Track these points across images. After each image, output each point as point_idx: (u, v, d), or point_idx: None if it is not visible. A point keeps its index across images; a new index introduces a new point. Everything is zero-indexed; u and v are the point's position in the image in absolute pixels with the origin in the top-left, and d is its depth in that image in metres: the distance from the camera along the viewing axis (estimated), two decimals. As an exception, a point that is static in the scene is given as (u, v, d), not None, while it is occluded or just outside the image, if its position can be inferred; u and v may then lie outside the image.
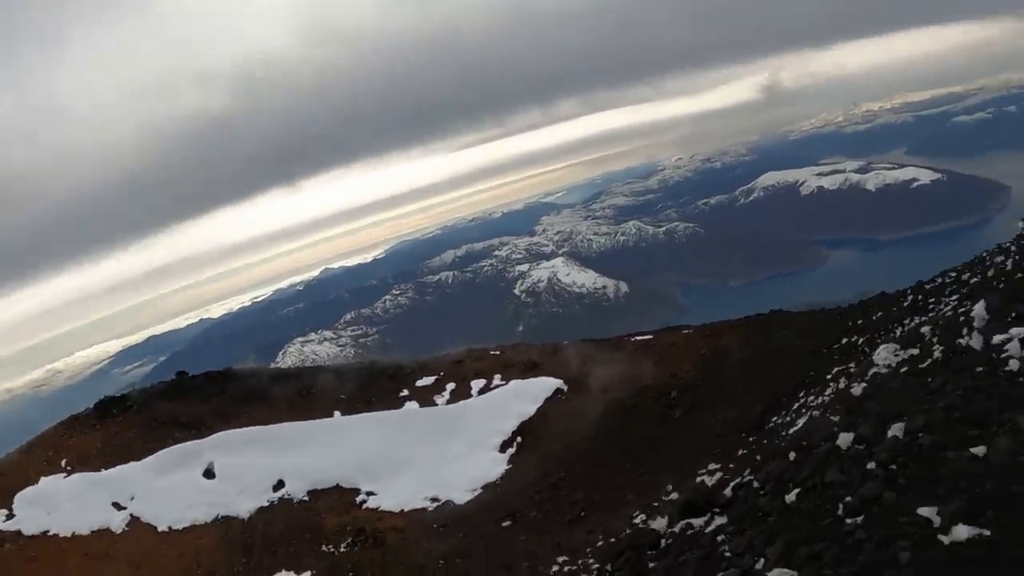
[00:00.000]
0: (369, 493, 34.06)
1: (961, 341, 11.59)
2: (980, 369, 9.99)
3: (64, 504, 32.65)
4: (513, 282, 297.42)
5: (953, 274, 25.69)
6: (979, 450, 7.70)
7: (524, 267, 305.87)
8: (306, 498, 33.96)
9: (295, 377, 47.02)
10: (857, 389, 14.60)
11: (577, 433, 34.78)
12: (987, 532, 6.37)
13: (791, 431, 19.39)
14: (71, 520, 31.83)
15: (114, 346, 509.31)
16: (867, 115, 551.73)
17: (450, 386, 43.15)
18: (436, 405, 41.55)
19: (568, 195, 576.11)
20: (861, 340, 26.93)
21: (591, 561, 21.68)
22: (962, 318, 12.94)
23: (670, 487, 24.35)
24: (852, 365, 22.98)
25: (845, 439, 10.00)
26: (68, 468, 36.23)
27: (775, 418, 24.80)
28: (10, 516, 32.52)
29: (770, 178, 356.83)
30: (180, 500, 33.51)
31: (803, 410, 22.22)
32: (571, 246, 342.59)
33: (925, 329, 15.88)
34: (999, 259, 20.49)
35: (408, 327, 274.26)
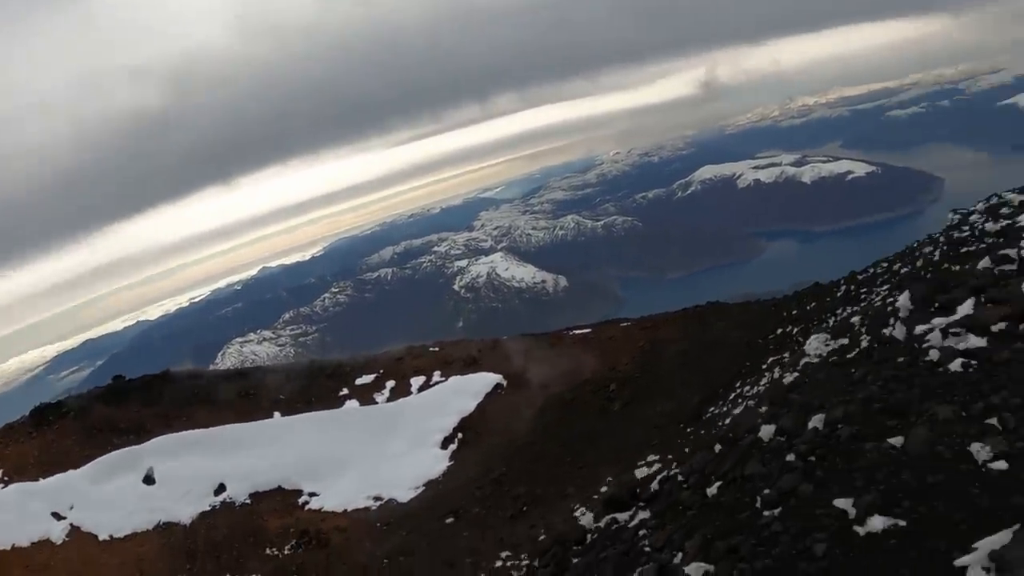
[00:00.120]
0: (311, 494, 33.80)
1: (886, 331, 11.77)
2: (902, 359, 10.11)
3: (1, 516, 32.00)
4: (452, 278, 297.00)
5: (885, 264, 26.15)
6: (897, 441, 7.84)
7: (463, 263, 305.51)
8: (248, 501, 33.60)
9: (234, 378, 46.49)
10: (789, 379, 14.81)
11: (517, 428, 34.83)
12: (902, 523, 6.50)
13: (727, 422, 19.60)
14: (9, 532, 31.03)
15: (49, 351, 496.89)
16: (803, 109, 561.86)
17: (390, 384, 43.03)
18: (376, 403, 41.36)
19: (506, 190, 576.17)
20: (795, 330, 27.26)
21: (530, 557, 21.82)
22: (889, 308, 13.09)
23: (610, 480, 24.61)
24: (786, 355, 23.26)
25: (767, 431, 10.07)
26: (4, 479, 35.34)
27: (712, 409, 25.06)
28: (-54, 531, 31.78)
29: (707, 171, 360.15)
30: (121, 508, 32.88)
31: (739, 400, 22.48)
32: (510, 241, 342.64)
33: (855, 319, 16.17)
34: (928, 249, 20.90)
35: (348, 325, 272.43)
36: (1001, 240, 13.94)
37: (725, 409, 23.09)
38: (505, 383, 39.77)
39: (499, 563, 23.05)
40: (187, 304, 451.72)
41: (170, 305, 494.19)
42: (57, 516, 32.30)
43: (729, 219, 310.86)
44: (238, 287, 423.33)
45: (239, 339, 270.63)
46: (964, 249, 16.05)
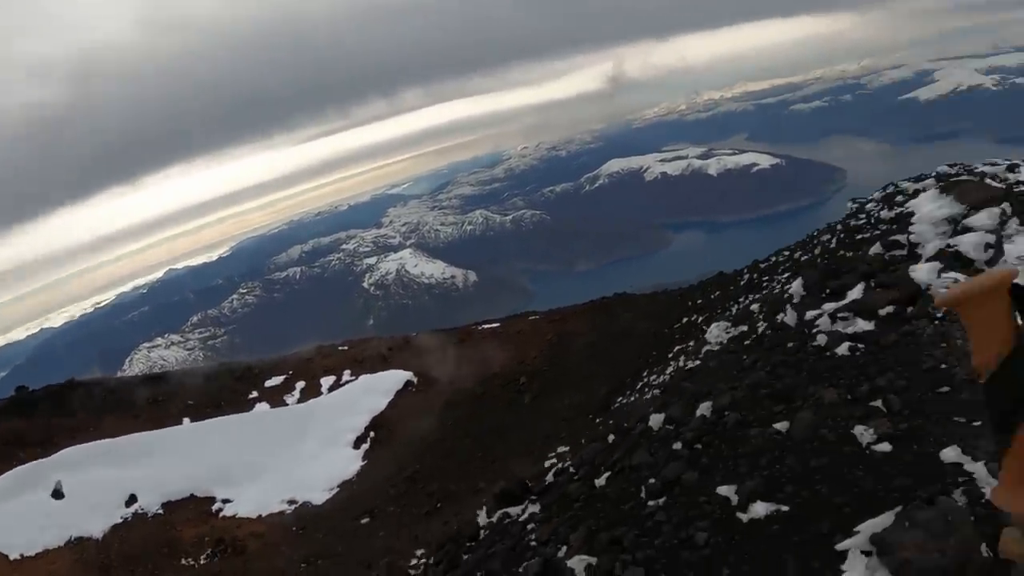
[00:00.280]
0: (225, 501, 33.20)
1: (779, 318, 11.99)
2: (791, 345, 10.28)
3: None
4: (361, 275, 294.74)
5: (786, 253, 26.65)
6: (783, 425, 7.92)
7: (372, 260, 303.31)
8: (161, 511, 32.85)
9: (142, 385, 45.33)
10: (691, 366, 14.99)
11: (429, 424, 34.74)
12: (785, 508, 6.57)
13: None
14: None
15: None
16: (709, 103, 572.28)
17: (300, 385, 42.55)
18: (287, 405, 40.94)
19: (414, 186, 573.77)
20: (700, 319, 27.57)
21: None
22: (785, 295, 13.36)
23: (552, 463, 24.72)
24: (691, 344, 23.55)
25: (656, 420, 10.12)
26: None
27: (620, 399, 25.20)
28: None
29: (615, 165, 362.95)
30: (30, 524, 31.83)
31: (646, 390, 22.58)
32: (419, 237, 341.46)
33: (754, 307, 16.42)
34: (826, 237, 21.32)
35: (257, 326, 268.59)
36: (894, 227, 14.23)
37: (633, 399, 23.21)
38: (416, 380, 39.60)
39: (414, 561, 22.96)
40: (92, 309, 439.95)
41: (74, 311, 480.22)
42: (-35, 537, 31.35)
43: (637, 212, 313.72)
44: (144, 290, 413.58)
45: (147, 344, 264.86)
46: (859, 236, 16.31)
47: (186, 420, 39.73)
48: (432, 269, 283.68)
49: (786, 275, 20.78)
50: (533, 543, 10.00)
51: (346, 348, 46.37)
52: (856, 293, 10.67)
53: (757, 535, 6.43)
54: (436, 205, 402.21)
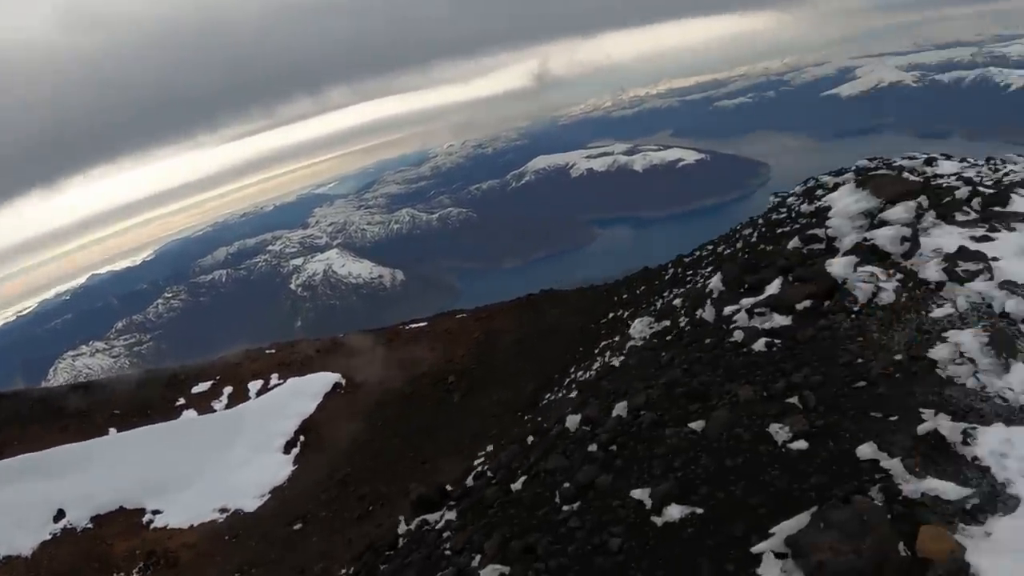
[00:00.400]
0: (155, 512, 32.56)
1: (698, 313, 11.98)
2: (709, 341, 10.24)
3: None
4: (288, 277, 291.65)
5: (710, 247, 26.84)
6: (698, 425, 7.86)
7: (299, 261, 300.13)
8: (90, 525, 32.12)
9: (67, 395, 44.49)
10: (616, 361, 14.95)
11: (359, 426, 34.48)
12: (699, 510, 6.50)
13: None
14: None
15: None
16: (634, 100, 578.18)
17: (228, 390, 41.88)
18: (215, 411, 40.35)
19: (340, 185, 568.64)
20: (626, 314, 27.67)
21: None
22: (707, 289, 13.38)
23: (474, 465, 24.61)
24: (617, 339, 23.60)
25: (573, 421, 10.04)
26: None
27: (548, 396, 25.22)
28: None
29: (541, 162, 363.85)
30: (-43, 544, 31.29)
31: (572, 386, 22.64)
32: (345, 237, 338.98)
33: (677, 302, 16.49)
34: (748, 231, 21.49)
35: (183, 331, 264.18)
36: (813, 221, 14.33)
37: (560, 395, 23.24)
38: (344, 382, 39.26)
39: (344, 570, 22.81)
40: (14, 318, 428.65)
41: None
42: None
43: (563, 208, 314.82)
44: (67, 297, 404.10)
45: (71, 352, 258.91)
46: (780, 230, 16.42)
47: (113, 430, 38.90)
48: (359, 269, 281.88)
49: (709, 269, 20.89)
50: (448, 552, 9.83)
51: (273, 351, 45.83)
52: (774, 288, 10.69)
53: (671, 539, 6.35)
54: (362, 204, 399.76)
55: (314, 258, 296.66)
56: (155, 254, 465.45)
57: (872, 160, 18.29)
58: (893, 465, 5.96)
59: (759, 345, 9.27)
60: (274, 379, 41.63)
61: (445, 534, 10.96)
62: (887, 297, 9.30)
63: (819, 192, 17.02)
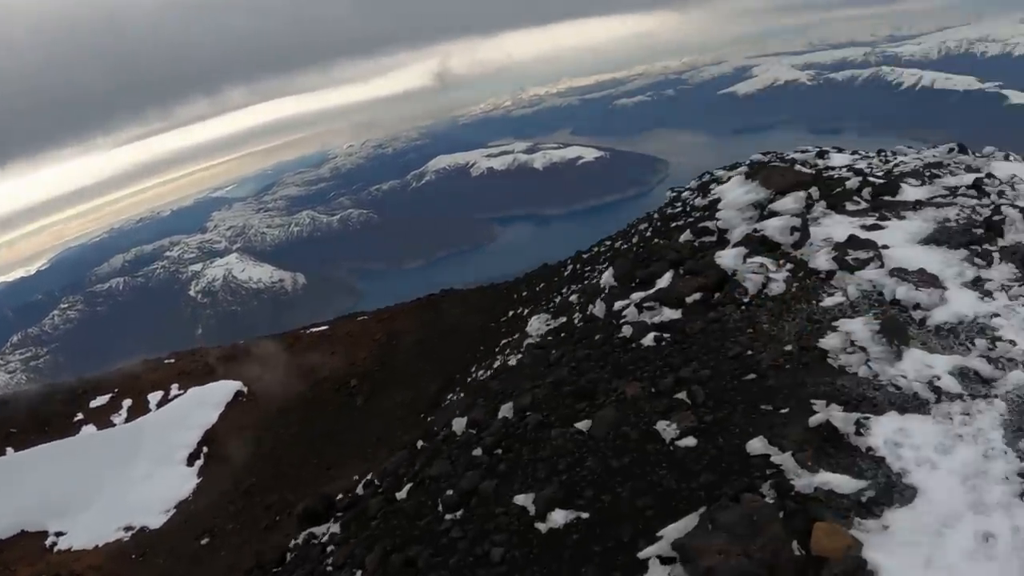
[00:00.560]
0: (59, 534, 31.57)
1: (590, 309, 11.86)
2: (598, 337, 10.07)
3: None
4: (187, 283, 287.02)
5: (608, 243, 26.98)
6: (584, 425, 7.67)
7: (198, 266, 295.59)
8: (-9, 551, 31.32)
9: (-39, 415, 43.19)
10: (513, 360, 14.82)
11: (262, 434, 33.97)
12: (585, 515, 6.32)
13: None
14: None
15: None
16: (534, 99, 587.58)
17: (127, 403, 40.80)
18: (114, 425, 39.36)
19: (239, 188, 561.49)
20: (525, 311, 27.63)
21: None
22: (600, 285, 13.29)
23: (356, 478, 24.30)
24: (516, 336, 23.54)
25: (459, 424, 9.82)
26: None
27: (450, 396, 25.05)
28: None
29: (441, 161, 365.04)
30: None
31: (480, 382, 22.63)
32: (245, 241, 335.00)
33: (573, 298, 16.44)
34: (643, 226, 21.61)
35: (81, 343, 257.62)
36: (706, 214, 14.33)
37: (462, 395, 23.15)
38: (246, 390, 38.66)
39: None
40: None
41: None
42: None
43: (464, 207, 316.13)
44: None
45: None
46: (674, 224, 16.48)
47: (9, 450, 37.71)
48: (260, 273, 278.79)
49: (606, 264, 20.92)
50: (329, 568, 9.51)
51: (173, 361, 44.91)
52: (664, 281, 10.63)
53: (556, 546, 6.15)
54: (262, 207, 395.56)
55: (213, 263, 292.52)
56: (50, 263, 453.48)
57: (766, 154, 18.41)
58: (784, 460, 5.83)
59: (648, 340, 9.13)
60: (174, 389, 40.74)
61: (329, 548, 10.61)
62: (777, 288, 9.28)
63: (712, 186, 17.10)
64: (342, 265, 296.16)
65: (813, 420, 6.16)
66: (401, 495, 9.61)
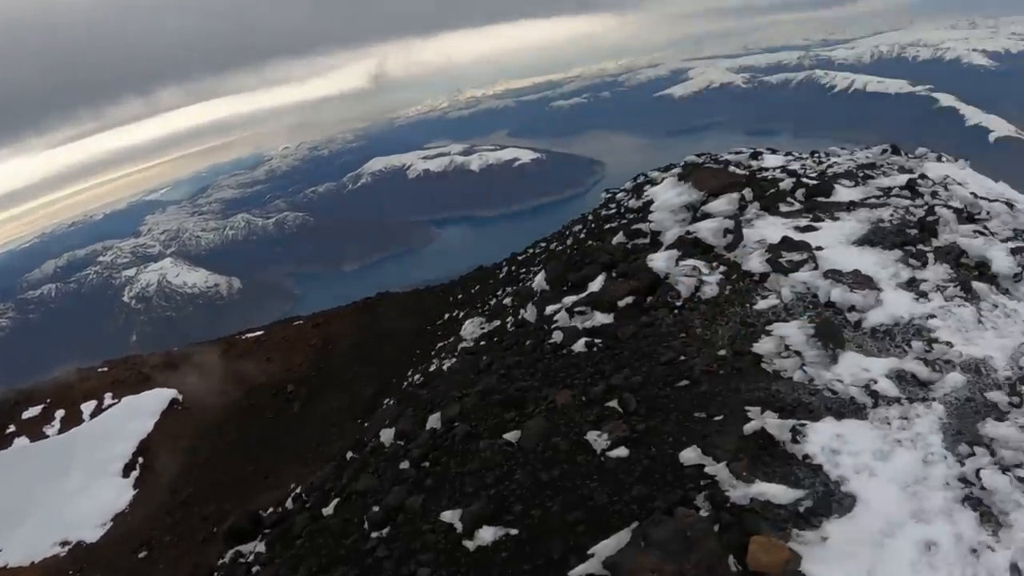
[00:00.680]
0: (-7, 550, 31.10)
1: (521, 313, 11.68)
2: (529, 343, 9.90)
3: None
4: (121, 289, 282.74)
5: (543, 244, 26.92)
6: (513, 435, 7.49)
7: (131, 272, 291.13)
8: (-76, 573, 30.51)
9: None
10: (447, 365, 14.65)
11: (198, 443, 33.53)
12: (514, 531, 6.14)
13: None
14: None
15: None
16: (471, 101, 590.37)
17: (60, 413, 39.95)
18: (47, 437, 38.61)
19: (173, 191, 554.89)
20: (461, 314, 27.51)
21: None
22: (533, 288, 13.15)
23: (293, 485, 24.04)
24: (451, 340, 23.42)
25: (387, 435, 9.58)
26: None
27: (387, 400, 24.88)
28: None
29: (377, 163, 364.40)
30: None
31: (410, 390, 22.45)
32: (179, 245, 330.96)
33: (507, 300, 16.29)
34: (578, 228, 21.56)
35: (12, 352, 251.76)
36: (639, 215, 14.24)
37: (393, 403, 22.99)
38: (181, 397, 38.09)
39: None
40: None
41: None
42: None
43: (401, 209, 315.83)
44: None
45: None
46: (608, 226, 16.38)
47: (-60, 466, 36.86)
48: (195, 278, 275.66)
49: (540, 267, 20.85)
50: (254, 590, 9.19)
51: (107, 369, 44.11)
52: (596, 285, 10.50)
53: (485, 564, 5.95)
54: (196, 210, 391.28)
55: (147, 268, 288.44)
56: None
57: (700, 156, 18.40)
58: (719, 470, 5.68)
59: (579, 346, 8.97)
60: (108, 399, 39.96)
61: (255, 569, 10.26)
62: (710, 291, 9.20)
63: (646, 187, 17.05)
64: (278, 269, 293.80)
65: (748, 428, 6.06)
66: (328, 511, 9.33)
